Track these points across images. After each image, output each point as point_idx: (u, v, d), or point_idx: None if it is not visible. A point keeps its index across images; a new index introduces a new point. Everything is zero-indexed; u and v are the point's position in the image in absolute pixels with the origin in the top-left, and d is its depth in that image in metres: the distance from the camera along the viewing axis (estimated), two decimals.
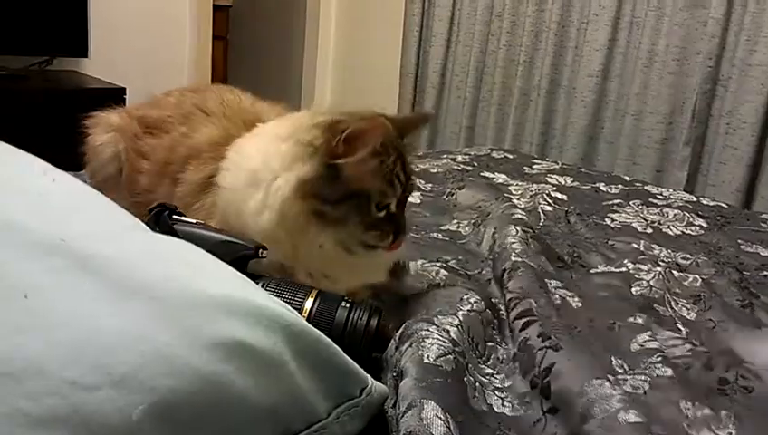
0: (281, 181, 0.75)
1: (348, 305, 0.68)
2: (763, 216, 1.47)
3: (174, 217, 0.73)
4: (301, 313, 0.66)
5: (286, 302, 0.61)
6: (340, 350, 0.55)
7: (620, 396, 0.62)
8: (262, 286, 0.68)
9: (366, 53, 3.75)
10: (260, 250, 0.71)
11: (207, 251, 0.60)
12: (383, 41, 3.57)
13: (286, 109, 1.11)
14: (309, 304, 0.68)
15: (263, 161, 0.77)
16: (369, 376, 0.57)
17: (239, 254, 0.70)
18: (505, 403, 0.69)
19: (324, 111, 0.83)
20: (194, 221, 0.74)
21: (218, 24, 3.69)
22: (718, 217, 1.39)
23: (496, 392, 0.71)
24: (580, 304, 0.95)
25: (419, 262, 0.99)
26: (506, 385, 0.73)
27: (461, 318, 0.79)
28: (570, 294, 0.97)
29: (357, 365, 0.56)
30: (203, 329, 0.45)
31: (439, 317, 0.77)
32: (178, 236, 0.66)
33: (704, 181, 2.46)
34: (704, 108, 2.44)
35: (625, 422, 0.60)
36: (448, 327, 0.75)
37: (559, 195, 1.46)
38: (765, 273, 1.12)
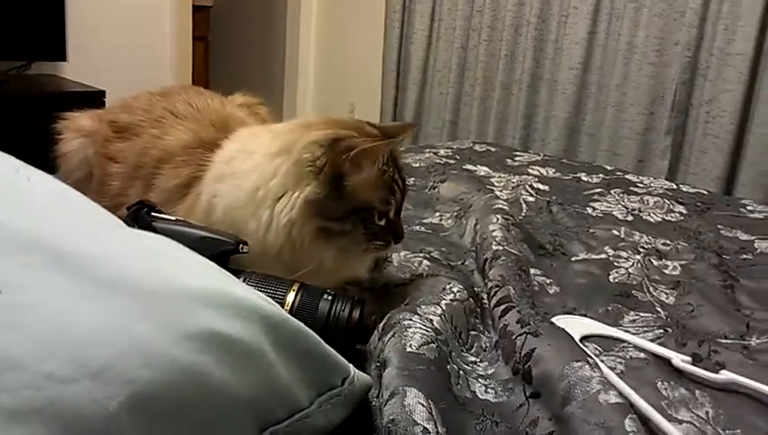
0: (286, 202, 0.75)
1: (330, 298, 0.69)
2: (743, 201, 1.49)
3: (153, 214, 0.73)
4: (283, 306, 0.66)
5: (268, 296, 0.61)
6: (322, 340, 0.55)
7: (600, 378, 0.63)
8: (243, 281, 0.68)
9: (347, 52, 3.75)
10: (240, 245, 0.72)
11: (188, 248, 0.60)
12: (364, 38, 3.58)
13: (253, 104, 1.12)
14: (291, 297, 0.68)
15: (261, 180, 0.77)
16: (351, 366, 0.58)
17: (220, 250, 0.70)
18: (489, 390, 0.70)
19: (311, 121, 0.83)
20: (173, 218, 0.74)
21: (198, 24, 3.67)
22: (698, 204, 1.41)
23: (479, 380, 0.71)
24: (558, 290, 0.96)
25: (402, 253, 0.99)
26: (489, 372, 0.73)
27: (444, 307, 0.79)
28: (548, 281, 0.98)
29: (339, 355, 0.56)
30: (180, 321, 0.45)
31: (422, 307, 0.78)
32: (158, 234, 0.66)
33: (685, 170, 2.49)
34: (683, 98, 2.46)
35: (606, 403, 0.60)
36: (431, 316, 0.76)
37: (540, 186, 1.47)
38: (745, 256, 1.13)
